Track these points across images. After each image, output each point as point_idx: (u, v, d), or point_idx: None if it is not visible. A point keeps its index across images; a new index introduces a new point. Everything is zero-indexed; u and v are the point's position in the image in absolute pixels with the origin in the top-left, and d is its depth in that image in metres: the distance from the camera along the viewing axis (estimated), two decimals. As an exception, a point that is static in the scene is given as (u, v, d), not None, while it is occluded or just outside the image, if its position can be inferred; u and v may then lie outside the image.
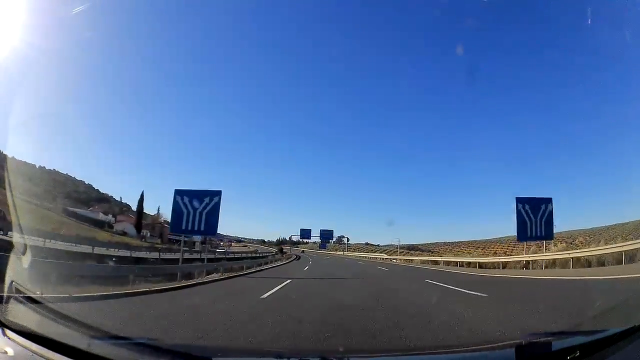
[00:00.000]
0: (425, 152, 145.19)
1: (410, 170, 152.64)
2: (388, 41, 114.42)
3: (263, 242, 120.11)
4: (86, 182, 69.35)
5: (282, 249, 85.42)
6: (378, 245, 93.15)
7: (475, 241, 74.84)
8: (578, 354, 1.60)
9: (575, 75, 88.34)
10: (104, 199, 70.74)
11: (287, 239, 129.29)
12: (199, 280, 12.18)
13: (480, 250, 63.16)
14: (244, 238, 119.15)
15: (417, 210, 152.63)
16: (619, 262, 12.92)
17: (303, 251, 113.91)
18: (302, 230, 69.64)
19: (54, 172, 61.95)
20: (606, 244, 16.49)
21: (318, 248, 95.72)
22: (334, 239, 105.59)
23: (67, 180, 63.94)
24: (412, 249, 74.18)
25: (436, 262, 30.71)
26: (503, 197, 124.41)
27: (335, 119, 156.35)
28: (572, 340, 2.06)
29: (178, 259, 18.94)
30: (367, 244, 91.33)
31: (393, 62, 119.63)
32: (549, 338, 2.63)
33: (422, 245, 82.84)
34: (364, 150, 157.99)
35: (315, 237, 77.85)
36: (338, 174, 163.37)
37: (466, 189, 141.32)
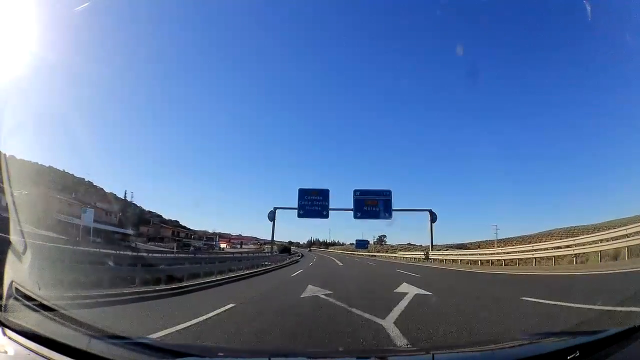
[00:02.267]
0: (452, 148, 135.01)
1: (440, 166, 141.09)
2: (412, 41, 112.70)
3: (291, 242, 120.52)
4: (76, 175, 67.09)
5: (290, 249, 74.91)
6: (420, 245, 79.40)
7: (525, 236, 63.48)
8: (578, 354, 1.60)
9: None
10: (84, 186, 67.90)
11: (312, 241, 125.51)
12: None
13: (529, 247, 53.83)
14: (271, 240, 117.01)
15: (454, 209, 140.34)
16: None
17: (310, 250, 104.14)
18: (301, 192, 32.59)
19: (47, 168, 60.42)
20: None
21: (355, 248, 70.27)
22: (374, 239, 76.37)
23: (51, 172, 61.50)
24: (460, 247, 59.02)
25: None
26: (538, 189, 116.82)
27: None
28: (572, 341, 2.06)
29: None
30: (409, 244, 75.66)
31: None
32: (549, 338, 2.63)
33: (469, 244, 67.58)
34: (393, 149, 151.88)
35: (336, 214, 50.28)
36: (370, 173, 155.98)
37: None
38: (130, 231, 54.21)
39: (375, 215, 32.44)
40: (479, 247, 49.92)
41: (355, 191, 32.52)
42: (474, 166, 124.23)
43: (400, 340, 3.77)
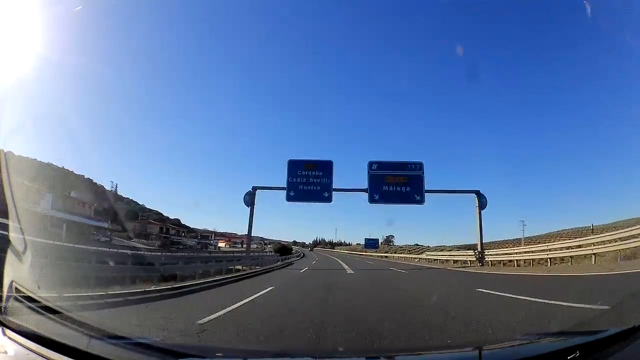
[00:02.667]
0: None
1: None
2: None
3: (295, 242, 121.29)
4: (76, 172, 66.42)
5: (290, 249, 69.44)
6: (428, 247, 72.06)
7: (536, 237, 57.27)
8: (578, 354, 1.60)
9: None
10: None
11: (318, 241, 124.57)
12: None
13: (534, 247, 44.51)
14: (280, 240, 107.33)
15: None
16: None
17: (311, 250, 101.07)
18: (291, 165, 23.64)
19: (47, 165, 59.70)
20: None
21: (364, 249, 64.99)
22: (382, 239, 68.94)
23: (49, 168, 60.43)
24: (470, 249, 51.39)
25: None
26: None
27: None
28: (572, 340, 2.06)
29: None
30: (416, 244, 69.93)
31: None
32: (549, 338, 2.64)
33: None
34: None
35: (343, 204, 46.25)
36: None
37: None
38: (104, 224, 47.95)
39: (400, 198, 22.80)
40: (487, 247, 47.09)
41: (371, 164, 23.35)
42: (474, 167, 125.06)
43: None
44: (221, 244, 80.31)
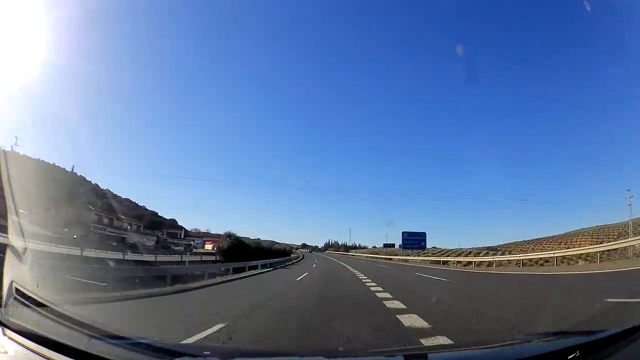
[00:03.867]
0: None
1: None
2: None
3: (305, 245, 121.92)
4: (70, 170, 65.66)
5: (288, 251, 55.78)
6: (448, 250, 60.86)
7: (555, 236, 54.80)
8: (578, 354, 1.60)
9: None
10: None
11: (330, 243, 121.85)
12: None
13: (563, 245, 39.00)
14: (289, 243, 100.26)
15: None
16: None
17: (310, 251, 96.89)
18: None
19: (40, 161, 58.49)
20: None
21: (402, 250, 47.90)
22: None
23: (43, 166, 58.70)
24: (491, 250, 46.83)
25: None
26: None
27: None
28: (572, 340, 2.06)
29: None
30: (434, 247, 60.93)
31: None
32: (549, 338, 2.63)
33: (500, 246, 56.60)
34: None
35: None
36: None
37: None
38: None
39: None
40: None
41: None
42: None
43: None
44: (208, 246, 64.37)
